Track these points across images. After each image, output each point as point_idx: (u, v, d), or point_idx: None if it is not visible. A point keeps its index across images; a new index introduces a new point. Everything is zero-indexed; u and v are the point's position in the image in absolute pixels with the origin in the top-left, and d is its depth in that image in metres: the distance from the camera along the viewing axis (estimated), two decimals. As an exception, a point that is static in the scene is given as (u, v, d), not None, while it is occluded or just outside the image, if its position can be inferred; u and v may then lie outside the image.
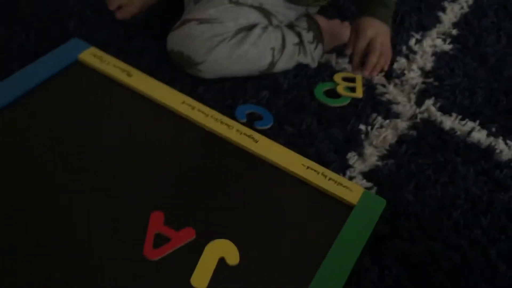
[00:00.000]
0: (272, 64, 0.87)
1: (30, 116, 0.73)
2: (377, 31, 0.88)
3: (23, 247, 0.59)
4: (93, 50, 0.82)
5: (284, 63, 0.89)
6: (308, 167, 0.73)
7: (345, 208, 0.69)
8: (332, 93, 0.88)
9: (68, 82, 0.78)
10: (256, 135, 0.76)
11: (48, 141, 0.70)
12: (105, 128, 0.73)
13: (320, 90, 0.88)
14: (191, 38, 0.81)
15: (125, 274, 0.59)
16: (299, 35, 0.89)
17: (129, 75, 0.80)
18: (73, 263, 0.59)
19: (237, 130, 0.76)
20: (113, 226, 0.63)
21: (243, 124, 0.78)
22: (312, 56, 0.91)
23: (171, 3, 0.95)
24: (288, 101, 0.85)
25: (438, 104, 0.89)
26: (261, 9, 0.85)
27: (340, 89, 0.89)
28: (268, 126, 0.80)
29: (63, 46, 0.82)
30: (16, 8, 0.89)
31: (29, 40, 0.85)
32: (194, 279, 0.59)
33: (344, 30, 0.95)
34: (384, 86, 0.92)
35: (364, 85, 0.90)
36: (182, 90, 0.81)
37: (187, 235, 0.62)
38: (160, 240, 0.62)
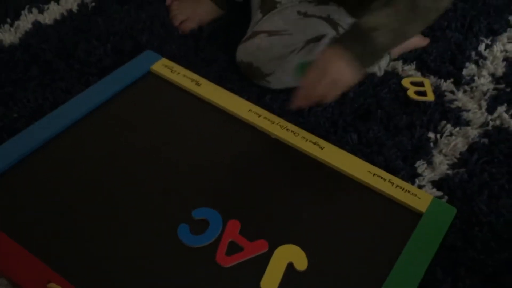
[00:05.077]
0: (339, 73, 0.87)
1: (109, 121, 0.77)
2: (341, 74, 0.70)
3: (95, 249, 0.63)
4: (164, 61, 0.86)
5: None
6: (374, 174, 0.72)
7: (414, 216, 0.68)
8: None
9: (142, 92, 0.82)
10: (322, 142, 0.76)
11: (125, 145, 0.74)
12: (175, 135, 0.77)
13: None
14: (261, 50, 0.83)
15: (198, 277, 0.61)
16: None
17: (198, 84, 0.83)
18: (148, 263, 0.62)
19: (303, 137, 0.77)
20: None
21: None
22: (379, 65, 0.90)
23: (235, 16, 0.98)
24: (354, 109, 0.85)
25: (511, 111, 0.86)
26: (329, 20, 0.85)
27: (411, 93, 0.87)
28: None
29: (137, 58, 0.87)
30: (95, 25, 0.96)
31: (106, 53, 0.90)
32: (264, 283, 0.60)
33: (413, 39, 0.94)
34: (453, 93, 0.89)
35: (432, 92, 0.89)
36: (249, 99, 0.83)
37: (260, 247, 0.63)
38: (234, 248, 0.63)
